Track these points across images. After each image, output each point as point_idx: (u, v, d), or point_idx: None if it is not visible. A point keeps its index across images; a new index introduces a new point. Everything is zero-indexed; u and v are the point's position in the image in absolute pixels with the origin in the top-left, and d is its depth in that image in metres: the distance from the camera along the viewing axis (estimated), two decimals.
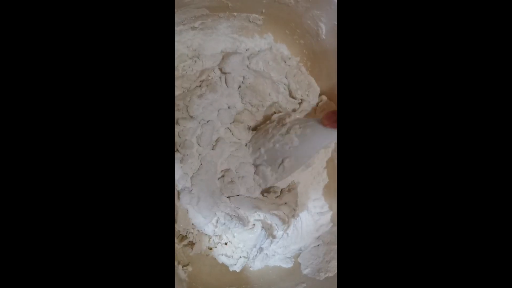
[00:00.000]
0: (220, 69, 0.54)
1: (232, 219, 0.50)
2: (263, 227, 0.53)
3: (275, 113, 0.55)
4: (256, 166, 0.51)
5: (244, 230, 0.52)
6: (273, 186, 0.55)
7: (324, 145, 0.55)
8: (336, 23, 0.48)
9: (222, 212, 0.50)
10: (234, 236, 0.53)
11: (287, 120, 0.50)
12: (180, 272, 0.50)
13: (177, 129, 0.51)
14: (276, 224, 0.52)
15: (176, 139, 0.51)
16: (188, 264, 0.51)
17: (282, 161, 0.48)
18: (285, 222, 0.52)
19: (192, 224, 0.51)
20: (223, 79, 0.54)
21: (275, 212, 0.52)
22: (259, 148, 0.51)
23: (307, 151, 0.48)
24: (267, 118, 0.56)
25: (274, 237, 0.53)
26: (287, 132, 0.48)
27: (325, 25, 0.50)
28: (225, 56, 0.55)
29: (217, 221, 0.51)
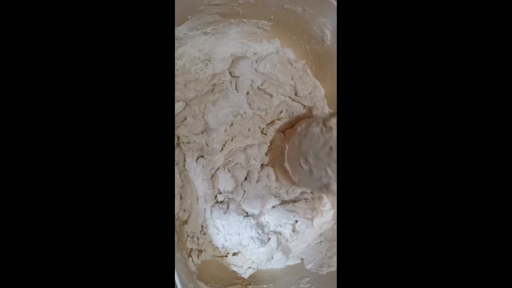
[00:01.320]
0: (230, 73, 0.56)
1: (255, 242, 0.51)
2: (278, 240, 0.54)
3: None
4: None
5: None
6: (305, 192, 0.57)
7: None
8: None
9: (246, 234, 0.52)
10: (245, 248, 0.54)
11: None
12: (190, 264, 0.51)
13: (203, 138, 0.53)
14: (307, 226, 0.55)
15: (204, 147, 0.53)
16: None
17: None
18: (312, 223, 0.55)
19: (202, 231, 0.53)
20: (233, 83, 0.56)
21: (309, 216, 0.54)
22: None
23: None
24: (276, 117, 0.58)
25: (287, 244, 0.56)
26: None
27: (330, 32, 0.52)
28: (235, 60, 0.57)
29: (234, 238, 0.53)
